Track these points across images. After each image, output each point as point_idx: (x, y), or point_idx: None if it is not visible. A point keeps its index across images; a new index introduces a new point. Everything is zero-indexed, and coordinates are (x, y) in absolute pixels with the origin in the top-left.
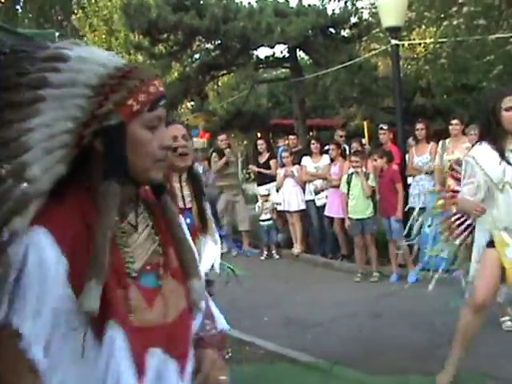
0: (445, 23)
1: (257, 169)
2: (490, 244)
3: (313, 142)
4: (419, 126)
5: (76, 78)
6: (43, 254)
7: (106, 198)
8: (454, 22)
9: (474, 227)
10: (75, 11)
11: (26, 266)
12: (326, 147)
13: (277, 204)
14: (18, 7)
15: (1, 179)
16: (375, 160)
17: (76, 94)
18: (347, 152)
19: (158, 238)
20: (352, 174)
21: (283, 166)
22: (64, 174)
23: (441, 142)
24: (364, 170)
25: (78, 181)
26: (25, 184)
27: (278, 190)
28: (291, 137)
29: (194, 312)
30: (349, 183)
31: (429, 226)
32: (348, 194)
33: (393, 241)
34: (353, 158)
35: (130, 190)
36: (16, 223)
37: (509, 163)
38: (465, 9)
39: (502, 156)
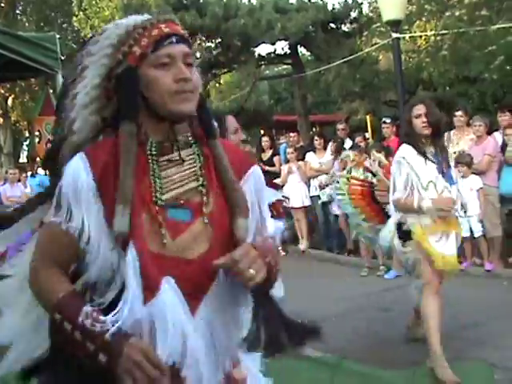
0: (447, 14)
1: (261, 167)
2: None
3: (316, 137)
4: None
5: (103, 43)
6: (77, 174)
7: (124, 138)
8: (456, 13)
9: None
10: (76, 13)
11: (64, 181)
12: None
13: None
14: (17, 11)
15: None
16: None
17: (102, 55)
18: (346, 146)
19: (202, 179)
20: (351, 168)
21: (287, 162)
22: (99, 122)
23: (445, 134)
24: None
25: (115, 126)
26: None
27: (282, 187)
28: (291, 134)
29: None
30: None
31: None
32: None
33: None
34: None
35: (165, 126)
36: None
37: (432, 162)
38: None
39: (425, 157)
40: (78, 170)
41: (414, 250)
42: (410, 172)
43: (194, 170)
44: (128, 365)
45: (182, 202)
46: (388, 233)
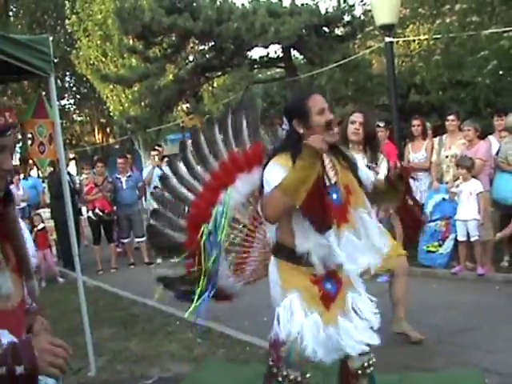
0: (438, 21)
1: None
2: None
3: None
4: (415, 122)
5: None
6: None
7: None
8: (447, 20)
9: None
10: (68, 16)
11: None
12: None
13: None
14: (10, 13)
15: None
16: None
17: None
18: None
19: None
20: None
21: None
22: None
23: (437, 138)
24: None
25: None
26: None
27: None
28: None
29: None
30: None
31: (428, 222)
32: None
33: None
34: None
35: None
36: None
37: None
38: (457, 6)
39: None
40: None
41: None
42: None
43: None
44: (48, 358)
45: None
46: None
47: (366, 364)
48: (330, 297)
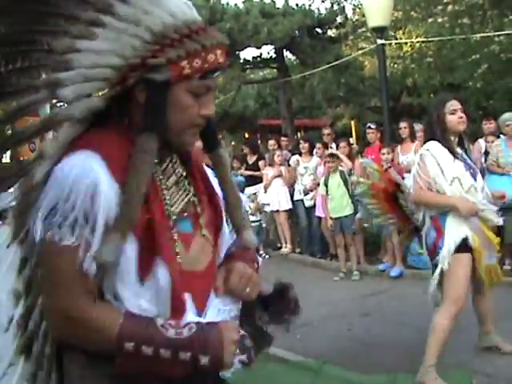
0: (430, 20)
1: (247, 172)
2: (463, 248)
3: (301, 141)
4: (402, 124)
5: (141, 18)
6: (96, 178)
7: (143, 152)
8: (439, 20)
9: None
10: None
11: (78, 188)
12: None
13: (265, 204)
14: None
15: (36, 87)
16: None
17: (135, 34)
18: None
19: (190, 188)
20: (329, 174)
21: (270, 165)
22: (101, 107)
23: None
24: (343, 169)
25: (119, 121)
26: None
27: (265, 191)
28: (283, 138)
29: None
30: (326, 184)
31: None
32: (327, 194)
33: (387, 237)
34: (327, 159)
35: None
36: (46, 146)
37: (459, 160)
38: (449, 7)
39: (453, 153)
40: (97, 175)
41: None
42: (434, 165)
43: (178, 179)
44: (233, 347)
45: (185, 214)
46: (447, 253)
47: None
48: None
